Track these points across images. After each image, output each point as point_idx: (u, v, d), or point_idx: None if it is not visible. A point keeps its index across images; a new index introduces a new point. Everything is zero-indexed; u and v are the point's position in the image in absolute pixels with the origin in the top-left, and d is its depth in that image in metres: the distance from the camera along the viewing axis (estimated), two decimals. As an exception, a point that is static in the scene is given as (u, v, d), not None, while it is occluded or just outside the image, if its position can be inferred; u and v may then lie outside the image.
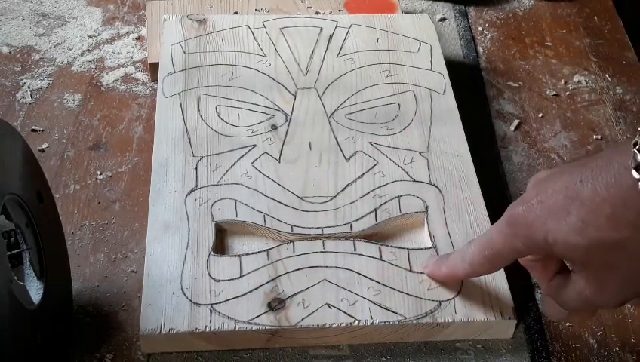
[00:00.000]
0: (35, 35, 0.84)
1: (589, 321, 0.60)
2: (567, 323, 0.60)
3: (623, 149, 0.44)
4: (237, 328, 0.55)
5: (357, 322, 0.56)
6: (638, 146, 0.43)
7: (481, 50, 0.86)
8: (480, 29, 0.89)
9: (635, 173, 0.43)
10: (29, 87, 0.78)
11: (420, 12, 0.89)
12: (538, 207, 0.48)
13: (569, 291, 0.50)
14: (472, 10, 0.92)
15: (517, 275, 0.62)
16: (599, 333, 0.60)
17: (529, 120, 0.78)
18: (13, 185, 0.50)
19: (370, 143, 0.69)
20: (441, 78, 0.76)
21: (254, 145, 0.68)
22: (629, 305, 0.61)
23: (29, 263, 0.52)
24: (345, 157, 0.67)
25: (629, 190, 0.43)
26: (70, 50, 0.83)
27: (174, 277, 0.58)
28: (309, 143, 0.68)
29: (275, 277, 0.58)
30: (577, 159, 0.52)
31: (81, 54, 0.82)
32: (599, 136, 0.76)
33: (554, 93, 0.81)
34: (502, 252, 0.51)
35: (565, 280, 0.50)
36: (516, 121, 0.77)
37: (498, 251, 0.52)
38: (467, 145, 0.69)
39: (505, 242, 0.51)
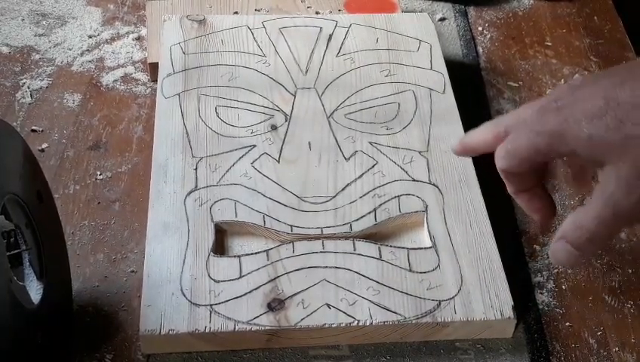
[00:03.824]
0: (35, 35, 0.84)
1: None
2: (567, 323, 0.60)
3: None
4: (236, 328, 0.55)
5: (356, 322, 0.56)
6: None
7: (481, 50, 0.86)
8: (480, 28, 0.89)
9: None
10: (28, 87, 0.78)
11: (420, 12, 0.88)
12: (574, 108, 0.49)
13: (592, 208, 0.50)
14: (472, 10, 0.92)
15: (517, 275, 0.63)
16: (599, 333, 0.60)
17: (529, 120, 0.77)
18: (13, 185, 0.50)
19: (370, 143, 0.69)
20: (440, 78, 0.76)
21: (254, 146, 0.68)
22: (628, 305, 0.61)
23: (28, 263, 0.52)
24: (344, 157, 0.67)
25: None
26: (70, 50, 0.83)
27: (174, 278, 0.58)
28: (309, 143, 0.68)
29: (275, 278, 0.58)
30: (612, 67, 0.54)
31: (81, 54, 0.82)
32: (599, 136, 0.76)
33: (554, 92, 0.81)
34: (520, 147, 0.51)
35: (584, 207, 0.50)
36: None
37: (519, 146, 0.52)
38: (467, 145, 0.69)
39: (527, 139, 0.51)
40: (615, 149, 0.48)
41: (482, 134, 0.58)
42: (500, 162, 0.54)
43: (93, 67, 0.81)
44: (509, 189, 0.57)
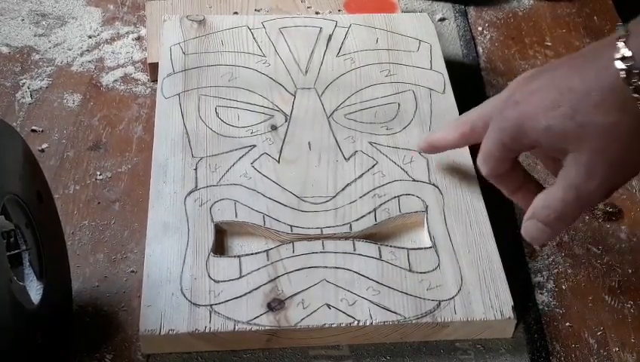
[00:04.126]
0: (35, 35, 0.84)
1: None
2: (567, 323, 0.60)
3: (608, 43, 0.49)
4: (236, 328, 0.55)
5: (356, 322, 0.56)
6: (622, 39, 0.48)
7: (481, 50, 0.86)
8: (480, 29, 0.89)
9: (619, 64, 0.47)
10: (28, 87, 0.78)
11: (420, 12, 0.88)
12: (530, 101, 0.52)
13: (556, 190, 0.53)
14: (471, 10, 0.92)
15: (517, 275, 0.63)
16: (599, 333, 0.60)
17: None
18: (13, 185, 0.50)
19: (370, 143, 0.69)
20: (440, 78, 0.76)
21: (254, 146, 0.68)
22: (628, 305, 0.61)
23: (28, 263, 0.52)
24: (344, 157, 0.67)
25: (615, 78, 0.48)
26: (70, 50, 0.83)
27: (174, 278, 0.58)
28: (309, 143, 0.68)
29: (275, 278, 0.58)
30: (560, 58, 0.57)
31: (81, 54, 0.82)
32: (599, 136, 0.76)
33: (554, 93, 0.81)
34: (490, 147, 0.55)
35: (551, 187, 0.53)
36: None
37: (489, 148, 0.56)
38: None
39: (493, 139, 0.55)
40: (572, 138, 0.50)
41: (448, 133, 0.64)
42: (482, 170, 0.58)
43: (93, 67, 0.81)
44: (505, 193, 0.59)
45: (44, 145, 0.72)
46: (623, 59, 0.48)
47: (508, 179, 0.58)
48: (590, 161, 0.51)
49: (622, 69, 0.48)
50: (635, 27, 0.49)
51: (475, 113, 0.60)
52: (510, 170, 0.57)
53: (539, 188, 0.56)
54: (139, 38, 0.84)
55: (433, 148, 0.65)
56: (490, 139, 0.55)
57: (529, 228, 0.56)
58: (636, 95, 0.48)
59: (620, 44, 0.48)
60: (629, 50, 0.47)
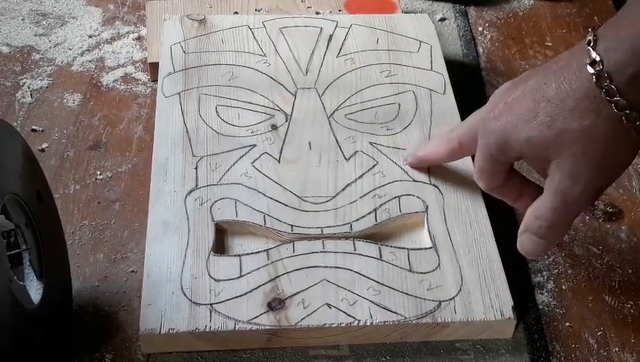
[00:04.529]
0: (35, 35, 0.84)
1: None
2: (567, 323, 0.60)
3: (579, 49, 0.50)
4: (237, 328, 0.55)
5: (357, 322, 0.56)
6: (591, 44, 0.49)
7: (481, 50, 0.86)
8: (480, 29, 0.89)
9: (589, 68, 0.49)
10: (28, 87, 0.78)
11: (420, 12, 0.89)
12: (509, 114, 0.53)
13: (545, 199, 0.54)
14: (472, 10, 0.92)
15: (517, 275, 0.63)
16: (599, 333, 0.60)
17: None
18: (13, 185, 0.50)
19: (370, 143, 0.69)
20: (441, 78, 0.76)
21: (254, 145, 0.68)
22: (628, 305, 0.61)
23: (28, 263, 0.52)
24: (345, 157, 0.67)
25: (587, 83, 0.49)
26: (70, 50, 0.83)
27: (174, 277, 0.58)
28: (309, 143, 0.68)
29: (275, 277, 0.58)
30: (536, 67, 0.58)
31: (81, 54, 0.82)
32: (599, 136, 0.76)
33: (554, 93, 0.81)
34: (481, 163, 0.57)
35: (540, 197, 0.54)
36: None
37: (481, 164, 0.57)
38: (467, 145, 0.69)
39: (483, 155, 0.56)
40: (553, 146, 0.51)
41: (437, 149, 0.64)
42: (480, 185, 0.59)
43: (94, 67, 0.81)
44: (508, 202, 0.61)
45: (44, 145, 0.72)
46: (593, 63, 0.49)
47: (507, 190, 0.59)
48: (572, 166, 0.51)
49: (592, 73, 0.49)
50: (603, 31, 0.50)
51: (463, 128, 0.61)
52: (506, 180, 0.58)
53: (538, 191, 0.57)
54: (139, 38, 0.84)
55: (421, 163, 0.66)
56: (479, 154, 0.56)
57: (524, 241, 0.56)
58: (608, 98, 0.49)
59: (590, 48, 0.49)
60: (597, 54, 0.49)
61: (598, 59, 0.48)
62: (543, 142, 0.52)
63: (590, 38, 0.50)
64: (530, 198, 0.56)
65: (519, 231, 0.57)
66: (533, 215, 0.55)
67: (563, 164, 0.52)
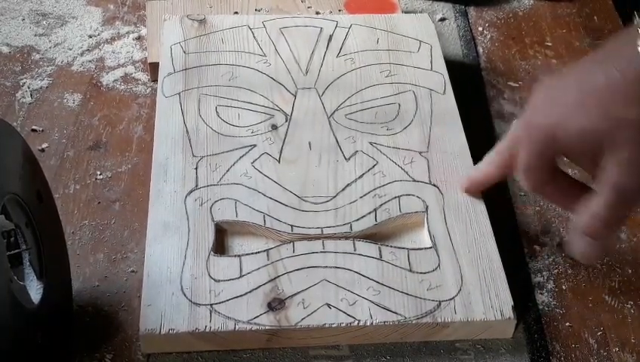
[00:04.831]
0: (35, 35, 0.84)
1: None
2: (567, 323, 0.60)
3: (627, 35, 0.47)
4: (237, 328, 0.55)
5: (357, 322, 0.56)
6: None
7: (481, 50, 0.86)
8: (480, 29, 0.89)
9: None
10: (28, 87, 0.78)
11: (420, 12, 0.89)
12: (555, 108, 0.51)
13: (600, 196, 0.51)
14: (472, 10, 0.92)
15: (517, 275, 0.63)
16: (599, 333, 0.60)
17: (529, 120, 0.77)
18: (13, 185, 0.50)
19: (370, 143, 0.69)
20: (441, 78, 0.76)
21: (254, 145, 0.68)
22: (628, 305, 0.61)
23: (29, 263, 0.52)
24: (345, 157, 0.67)
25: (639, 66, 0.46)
26: (70, 50, 0.83)
27: (174, 278, 0.58)
28: (309, 143, 0.68)
29: (275, 277, 0.58)
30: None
31: (81, 54, 0.82)
32: (599, 136, 0.76)
33: (554, 93, 0.81)
34: (526, 161, 0.54)
35: (593, 195, 0.52)
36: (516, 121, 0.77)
37: (527, 163, 0.54)
38: (467, 145, 0.69)
39: (529, 152, 0.53)
40: (607, 135, 0.49)
41: (489, 168, 0.61)
42: (526, 187, 0.56)
43: (94, 67, 0.81)
44: (557, 204, 0.59)
45: (45, 145, 0.72)
46: None
47: (554, 189, 0.57)
48: (630, 157, 0.49)
49: None
50: None
51: (508, 138, 0.58)
52: (553, 179, 0.56)
53: (586, 190, 0.54)
54: (139, 38, 0.84)
55: (478, 187, 0.64)
56: (524, 153, 0.54)
57: (578, 244, 0.54)
58: None
59: None
60: None
61: None
62: (596, 133, 0.49)
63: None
64: (578, 198, 0.54)
65: (570, 233, 0.54)
66: (589, 214, 0.52)
67: (619, 156, 0.49)
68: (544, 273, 0.64)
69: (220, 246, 0.61)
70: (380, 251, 0.61)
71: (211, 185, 0.65)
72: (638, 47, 0.47)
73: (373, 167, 0.67)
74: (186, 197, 0.64)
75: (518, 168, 0.56)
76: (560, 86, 0.52)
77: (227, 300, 0.57)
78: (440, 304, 0.57)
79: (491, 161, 0.61)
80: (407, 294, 0.58)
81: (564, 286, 0.63)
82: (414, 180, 0.66)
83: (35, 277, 0.52)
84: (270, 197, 0.64)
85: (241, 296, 0.57)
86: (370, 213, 0.63)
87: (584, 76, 0.50)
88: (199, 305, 0.57)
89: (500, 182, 0.71)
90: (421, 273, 0.59)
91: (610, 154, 0.50)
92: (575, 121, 0.50)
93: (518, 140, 0.55)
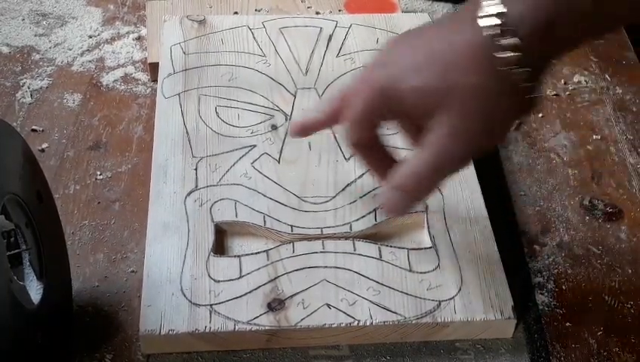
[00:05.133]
0: (35, 35, 0.84)
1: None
2: (567, 323, 0.60)
3: (474, 4, 0.48)
4: (236, 328, 0.55)
5: (357, 322, 0.56)
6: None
7: (481, 50, 0.86)
8: (480, 28, 0.89)
9: (486, 21, 0.47)
10: (28, 87, 0.78)
11: (420, 12, 0.88)
12: (397, 64, 0.51)
13: (421, 154, 0.51)
14: (471, 10, 0.91)
15: (517, 275, 0.63)
16: (599, 333, 0.60)
17: (529, 120, 0.77)
18: (13, 185, 0.50)
19: (370, 143, 0.69)
20: (440, 78, 0.75)
21: (254, 146, 0.68)
22: (628, 305, 0.61)
23: (28, 263, 0.52)
24: (344, 157, 0.67)
25: (481, 37, 0.47)
26: (70, 50, 0.83)
27: (174, 278, 0.58)
28: (309, 143, 0.68)
29: (275, 278, 0.58)
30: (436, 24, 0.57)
31: (81, 54, 0.82)
32: (599, 136, 0.76)
33: (554, 93, 0.81)
34: (357, 112, 0.53)
35: (415, 152, 0.52)
36: (516, 121, 0.77)
37: (357, 111, 0.53)
38: (467, 145, 0.69)
39: (360, 105, 0.53)
40: (442, 98, 0.49)
41: (319, 115, 0.59)
42: (348, 139, 0.55)
43: (94, 67, 0.81)
44: (368, 165, 0.58)
45: (44, 145, 0.72)
46: (495, 15, 0.47)
47: (371, 151, 0.56)
48: (456, 122, 0.50)
49: (489, 26, 0.47)
50: None
51: (343, 90, 0.57)
52: (375, 139, 0.56)
53: (397, 162, 0.55)
54: (139, 38, 0.84)
55: (305, 130, 0.61)
56: (358, 102, 0.53)
57: (390, 196, 0.53)
58: (502, 53, 0.47)
59: (486, 2, 0.47)
60: (503, 5, 0.46)
61: (500, 10, 0.46)
62: (430, 94, 0.49)
63: None
64: (390, 166, 0.54)
65: (383, 185, 0.54)
66: (407, 171, 0.52)
67: (446, 119, 0.50)
68: (544, 273, 0.64)
69: (219, 247, 0.61)
70: (380, 251, 0.61)
71: (211, 185, 0.65)
72: (482, 15, 0.47)
73: (373, 167, 0.67)
74: (185, 197, 0.64)
75: (346, 119, 0.55)
76: (405, 46, 0.52)
77: (227, 300, 0.57)
78: (440, 304, 0.58)
79: (323, 108, 0.59)
80: (407, 294, 0.58)
81: (564, 286, 0.63)
82: (414, 180, 0.66)
83: (35, 277, 0.52)
84: (270, 198, 0.64)
85: (240, 296, 0.57)
86: (370, 213, 0.63)
87: (429, 40, 0.50)
88: (199, 305, 0.57)
89: (500, 182, 0.71)
90: (421, 273, 0.59)
91: (439, 117, 0.50)
92: (411, 80, 0.50)
93: (353, 92, 0.54)
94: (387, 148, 0.57)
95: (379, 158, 0.57)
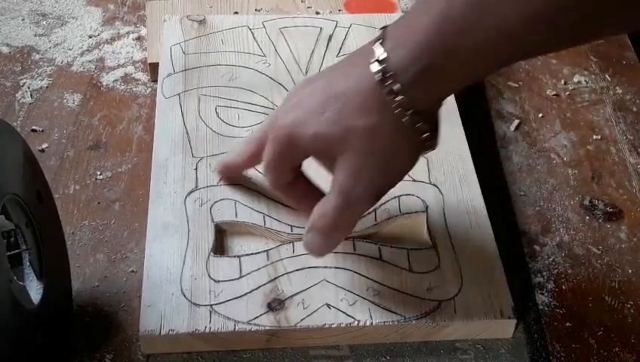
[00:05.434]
0: (35, 35, 0.84)
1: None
2: (568, 323, 0.60)
3: (369, 46, 0.49)
4: (236, 329, 0.55)
5: (357, 322, 0.56)
6: (379, 42, 0.49)
7: (481, 50, 0.86)
8: (480, 28, 0.89)
9: (374, 66, 0.48)
10: (28, 87, 0.78)
11: (420, 12, 0.88)
12: (300, 109, 0.52)
13: (330, 197, 0.53)
14: (472, 10, 0.91)
15: (517, 275, 0.63)
16: (599, 333, 0.60)
17: (529, 120, 0.78)
18: (13, 185, 0.50)
19: (370, 143, 0.69)
20: (440, 78, 0.75)
21: (254, 146, 0.68)
22: (628, 305, 0.61)
23: (28, 263, 0.52)
24: (345, 158, 0.67)
25: (373, 81, 0.48)
26: (70, 50, 0.83)
27: (174, 278, 0.58)
28: (309, 143, 0.68)
29: (275, 278, 0.58)
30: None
31: (81, 54, 0.82)
32: (599, 136, 0.76)
33: (554, 93, 0.81)
34: (268, 158, 0.55)
35: (327, 195, 0.53)
36: (516, 121, 0.77)
37: (269, 160, 0.55)
38: (467, 144, 0.69)
39: (271, 150, 0.54)
40: (338, 143, 0.51)
41: (239, 156, 0.62)
42: (268, 182, 0.57)
43: (94, 67, 0.81)
44: (292, 204, 0.60)
45: (44, 145, 0.72)
46: (379, 61, 0.48)
47: (293, 191, 0.58)
48: (355, 164, 0.51)
49: (377, 71, 0.48)
50: (391, 30, 0.49)
51: (260, 129, 0.59)
52: (294, 179, 0.57)
53: (323, 196, 0.55)
54: (139, 38, 0.84)
55: (228, 171, 0.64)
56: (269, 149, 0.55)
57: (309, 239, 0.55)
58: (391, 97, 0.48)
59: (376, 46, 0.48)
60: (384, 52, 0.48)
61: (383, 57, 0.48)
62: (329, 139, 0.51)
63: (379, 35, 0.49)
64: (315, 202, 0.55)
65: (305, 229, 0.55)
66: (318, 213, 0.54)
67: (347, 162, 0.51)
68: (544, 273, 0.64)
69: (219, 247, 0.61)
70: (380, 251, 0.61)
71: (211, 185, 0.65)
72: (372, 60, 0.48)
73: (373, 167, 0.67)
74: (185, 197, 0.64)
75: (263, 163, 0.56)
76: (308, 89, 0.53)
77: (227, 301, 0.57)
78: (440, 304, 0.57)
79: (242, 150, 0.61)
80: (406, 294, 0.58)
81: (564, 286, 0.63)
82: (414, 180, 0.66)
83: (35, 277, 0.52)
84: (270, 198, 0.64)
85: (240, 296, 0.57)
86: (369, 212, 0.63)
87: (328, 82, 0.51)
88: (199, 305, 0.57)
89: (500, 182, 0.71)
90: (421, 273, 0.59)
91: (340, 159, 0.51)
92: (312, 125, 0.51)
93: (265, 137, 0.55)
94: (311, 183, 0.58)
95: (303, 196, 0.57)
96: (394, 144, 0.50)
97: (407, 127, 0.49)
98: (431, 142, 0.51)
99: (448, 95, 0.51)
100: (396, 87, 0.48)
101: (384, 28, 0.50)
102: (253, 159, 0.60)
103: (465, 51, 0.46)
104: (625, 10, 0.44)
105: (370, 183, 0.52)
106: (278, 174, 0.56)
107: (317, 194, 0.56)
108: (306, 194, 0.57)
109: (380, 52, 0.48)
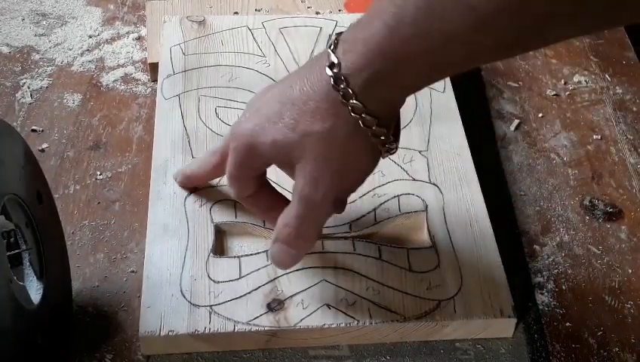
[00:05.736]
0: (35, 35, 0.84)
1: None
2: (567, 323, 0.60)
3: (324, 52, 0.49)
4: (236, 329, 0.55)
5: (356, 322, 0.56)
6: (332, 47, 0.48)
7: (480, 49, 0.86)
8: (480, 28, 0.89)
9: (328, 70, 0.48)
10: (28, 87, 0.78)
11: (420, 12, 0.88)
12: (258, 117, 0.52)
13: (291, 206, 0.52)
14: (471, 10, 0.91)
15: (517, 275, 0.63)
16: (599, 333, 0.60)
17: (529, 120, 0.78)
18: (13, 185, 0.50)
19: (370, 143, 0.69)
20: (440, 78, 0.75)
21: (254, 146, 0.68)
22: (628, 305, 0.61)
23: (28, 263, 0.52)
24: (344, 158, 0.67)
25: (327, 85, 0.48)
26: (70, 50, 0.83)
27: (174, 279, 0.58)
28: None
29: (275, 278, 0.58)
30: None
31: (81, 54, 0.82)
32: (599, 136, 0.76)
33: (554, 93, 0.81)
34: (230, 169, 0.54)
35: (289, 205, 0.53)
36: (516, 121, 0.77)
37: (230, 172, 0.54)
38: (467, 143, 0.69)
39: (232, 160, 0.54)
40: (296, 149, 0.50)
41: (201, 167, 0.61)
42: (232, 194, 0.57)
43: (94, 67, 0.81)
44: (258, 214, 0.60)
45: (44, 145, 0.72)
46: (332, 65, 0.48)
47: (257, 200, 0.57)
48: (313, 170, 0.50)
49: (330, 76, 0.48)
50: (345, 34, 0.49)
51: (223, 140, 0.58)
52: (258, 188, 0.56)
53: (288, 203, 0.55)
54: (139, 38, 0.84)
55: (190, 182, 0.64)
56: (230, 159, 0.54)
57: (274, 251, 0.54)
58: (344, 101, 0.48)
59: (330, 51, 0.48)
60: (336, 57, 0.48)
61: (336, 61, 0.48)
62: (286, 145, 0.50)
63: (333, 40, 0.49)
64: (281, 210, 0.54)
65: (272, 240, 0.54)
66: (282, 223, 0.53)
67: (305, 169, 0.51)
68: (544, 273, 0.64)
69: (219, 248, 0.61)
70: (380, 251, 0.61)
71: (211, 186, 0.65)
72: (326, 64, 0.48)
73: (373, 167, 0.67)
74: (185, 198, 0.64)
75: (226, 174, 0.56)
76: (267, 97, 0.53)
77: (227, 301, 0.57)
78: (440, 303, 0.57)
79: (205, 162, 0.61)
80: (406, 294, 0.58)
81: (564, 286, 0.63)
82: (414, 179, 0.66)
83: (35, 278, 0.52)
84: (270, 198, 0.64)
85: (240, 296, 0.57)
86: (369, 212, 0.63)
87: (285, 89, 0.51)
88: (199, 306, 0.57)
89: (499, 182, 0.71)
90: (421, 272, 0.59)
91: (298, 166, 0.51)
92: (270, 132, 0.51)
93: (227, 147, 0.55)
94: (275, 191, 0.58)
95: (270, 206, 0.57)
96: (351, 149, 0.50)
97: (363, 132, 0.49)
98: (389, 146, 0.51)
99: (403, 99, 0.51)
100: (349, 91, 0.48)
101: (339, 33, 0.49)
102: (217, 170, 0.59)
103: (416, 56, 0.46)
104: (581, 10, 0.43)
105: (328, 188, 0.51)
106: (240, 185, 0.55)
107: (283, 204, 0.55)
108: (272, 204, 0.57)
109: (333, 57, 0.48)
